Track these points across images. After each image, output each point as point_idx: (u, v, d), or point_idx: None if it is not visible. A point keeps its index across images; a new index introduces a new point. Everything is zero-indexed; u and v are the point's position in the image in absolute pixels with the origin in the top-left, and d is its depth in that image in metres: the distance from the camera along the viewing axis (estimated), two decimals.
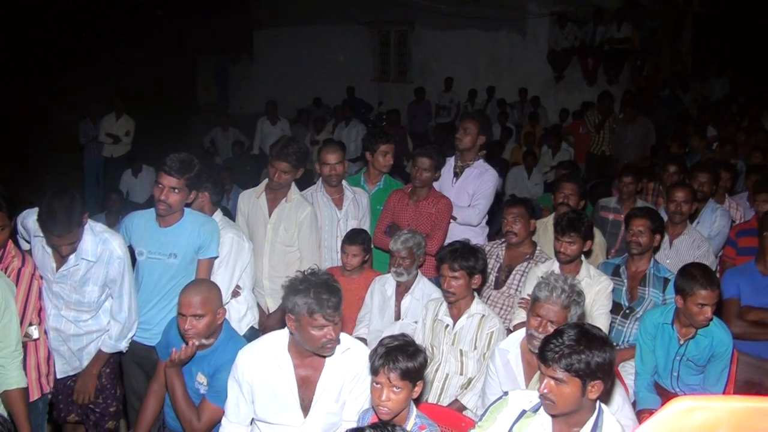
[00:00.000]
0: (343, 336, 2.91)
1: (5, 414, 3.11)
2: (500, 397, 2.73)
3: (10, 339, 3.11)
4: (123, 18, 16.20)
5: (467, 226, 4.93)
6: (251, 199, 4.51)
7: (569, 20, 13.53)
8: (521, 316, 4.03)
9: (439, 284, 3.99)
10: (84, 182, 10.65)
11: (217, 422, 3.09)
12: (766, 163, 7.15)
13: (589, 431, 2.50)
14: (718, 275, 5.08)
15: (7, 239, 3.31)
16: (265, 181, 4.52)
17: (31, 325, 3.40)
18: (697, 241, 4.78)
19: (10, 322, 3.13)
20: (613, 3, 13.53)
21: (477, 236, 4.90)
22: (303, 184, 4.74)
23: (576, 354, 2.43)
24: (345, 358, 2.91)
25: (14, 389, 3.12)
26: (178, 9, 15.93)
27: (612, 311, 4.08)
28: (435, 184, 4.96)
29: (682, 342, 3.64)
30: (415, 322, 4.06)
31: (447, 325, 3.80)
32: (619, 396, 3.14)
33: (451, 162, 5.14)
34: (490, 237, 5.29)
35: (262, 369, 2.90)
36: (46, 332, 3.53)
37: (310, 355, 2.88)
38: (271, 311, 4.47)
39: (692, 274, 3.49)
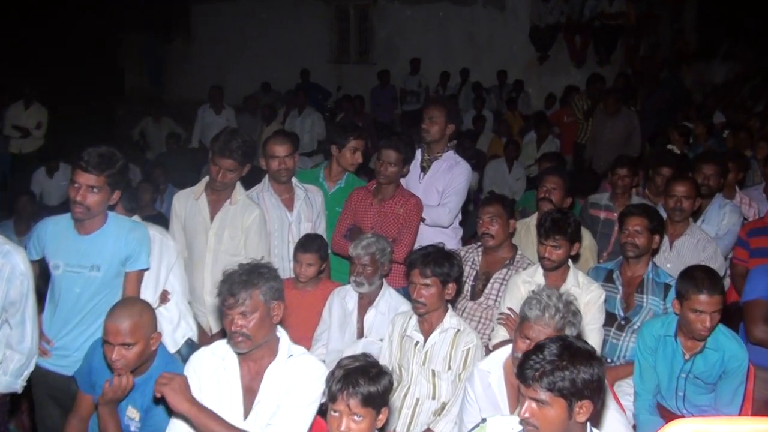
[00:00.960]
0: (287, 344, 3.00)
1: None
2: (477, 424, 2.74)
3: None
4: None
5: (437, 227, 4.99)
6: (189, 202, 4.50)
7: None
8: (502, 334, 4.07)
9: (408, 295, 4.01)
10: None
11: None
12: None
13: None
14: (728, 280, 5.23)
15: None
16: (206, 179, 4.51)
17: None
18: (702, 241, 4.86)
19: None
20: None
21: (449, 239, 4.94)
22: (249, 182, 4.74)
23: (559, 371, 2.45)
24: (287, 367, 2.96)
25: None
26: None
27: (605, 323, 4.13)
28: (402, 181, 5.01)
29: (687, 357, 3.68)
30: (381, 340, 4.07)
31: (417, 342, 3.82)
32: (614, 419, 3.18)
33: (417, 155, 5.18)
34: (465, 241, 5.32)
35: (209, 375, 2.97)
36: None
37: (252, 360, 2.97)
38: (214, 332, 4.45)
39: (692, 276, 3.55)
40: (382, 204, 4.80)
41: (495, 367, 3.31)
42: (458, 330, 3.78)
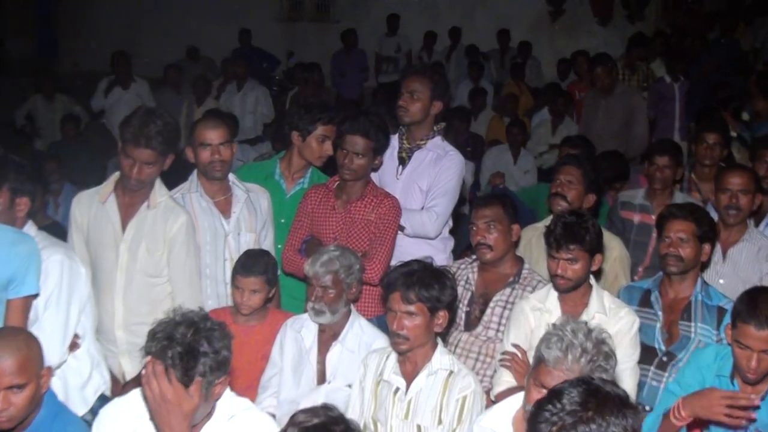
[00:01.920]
0: (228, 400, 3.01)
1: None
2: None
3: None
4: None
5: (421, 238, 5.03)
6: (93, 206, 4.47)
7: None
8: (507, 379, 4.08)
9: (384, 326, 4.02)
10: None
11: None
12: None
13: None
14: None
15: None
16: (115, 176, 4.49)
17: None
18: (765, 250, 4.91)
19: None
20: None
21: (437, 252, 4.98)
22: (172, 179, 4.72)
23: (583, 424, 2.45)
24: (227, 430, 2.97)
25: None
26: None
27: (641, 360, 4.16)
28: (373, 177, 5.05)
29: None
30: (348, 386, 4.08)
31: (397, 389, 3.82)
32: None
33: (394, 143, 5.22)
34: (458, 254, 5.33)
35: None
36: None
37: None
38: (128, 377, 4.43)
39: (750, 299, 3.56)
40: (348, 207, 4.82)
41: (502, 425, 3.29)
42: (451, 372, 3.78)
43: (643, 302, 4.41)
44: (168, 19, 15.53)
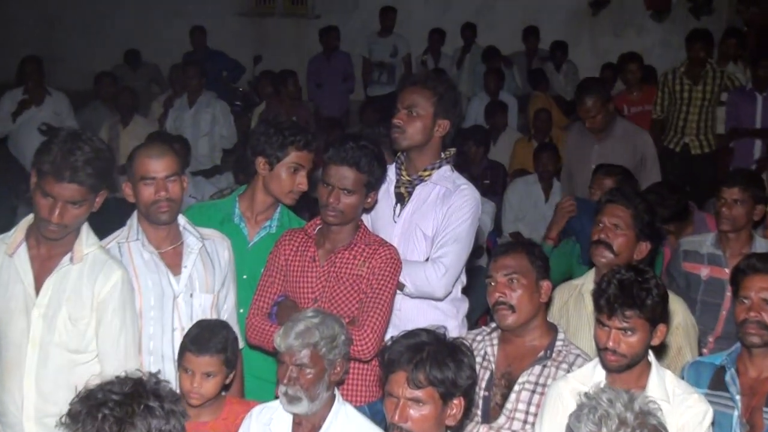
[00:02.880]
0: None
1: None
2: None
3: None
4: None
5: (426, 299, 5.06)
6: None
7: None
8: None
9: (378, 415, 4.02)
10: None
11: None
12: None
13: None
14: None
15: None
16: (26, 221, 4.47)
17: None
18: None
19: None
20: None
21: (446, 319, 5.01)
22: (104, 225, 4.70)
23: None
24: None
25: None
26: None
27: None
28: (364, 220, 5.08)
29: None
30: None
31: None
32: None
33: (390, 176, 5.27)
34: (473, 321, 5.30)
35: None
36: None
37: None
38: None
39: None
40: (332, 258, 4.82)
41: None
42: None
43: (716, 383, 4.39)
44: (98, 14, 15.57)
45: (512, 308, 4.44)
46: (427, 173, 5.18)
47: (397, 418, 3.71)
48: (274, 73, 12.52)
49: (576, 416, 3.22)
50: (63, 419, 2.94)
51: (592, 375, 4.19)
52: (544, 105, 12.00)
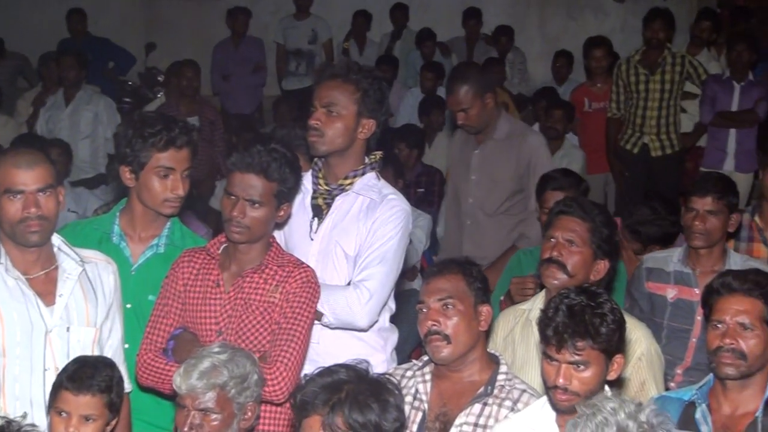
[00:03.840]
0: None
1: None
2: None
3: None
4: None
5: (348, 329, 5.09)
6: None
7: None
8: None
9: None
10: None
11: None
12: None
13: None
14: None
15: None
16: None
17: None
18: None
19: None
20: None
21: (372, 353, 5.03)
22: None
23: None
24: None
25: None
26: None
27: None
28: (277, 237, 5.08)
29: None
30: None
31: None
32: None
33: (306, 185, 5.26)
34: (405, 354, 5.25)
35: None
36: None
37: None
38: None
39: None
40: (239, 283, 4.81)
41: None
42: None
43: (685, 422, 4.37)
44: None
45: (447, 338, 4.43)
46: (348, 182, 5.21)
47: None
48: (169, 64, 12.46)
49: (573, 424, 3.37)
50: None
51: (540, 415, 4.18)
52: (503, 99, 12.05)
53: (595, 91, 11.34)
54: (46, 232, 4.62)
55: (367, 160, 5.23)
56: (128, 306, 5.01)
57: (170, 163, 4.98)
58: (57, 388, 4.34)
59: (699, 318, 5.05)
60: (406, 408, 4.42)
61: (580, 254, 4.96)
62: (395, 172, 9.05)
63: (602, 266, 5.02)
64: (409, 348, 5.84)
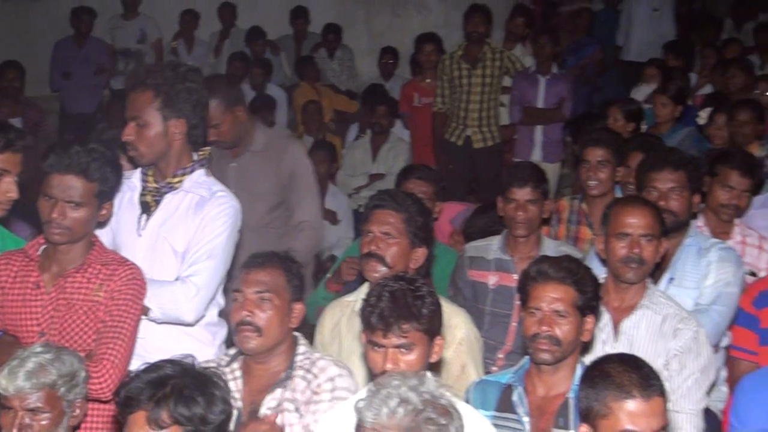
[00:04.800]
0: None
1: None
2: None
3: None
4: None
5: (176, 325, 5.06)
6: None
7: None
8: None
9: None
10: None
11: None
12: None
13: None
14: (724, 389, 5.59)
15: None
16: None
17: None
18: (672, 320, 5.06)
19: None
20: None
21: (202, 347, 5.03)
22: None
23: None
24: None
25: None
26: None
27: None
28: (100, 236, 4.99)
29: None
30: None
31: None
32: None
33: (134, 183, 5.26)
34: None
35: None
36: None
37: None
38: None
39: (606, 374, 3.79)
40: (60, 283, 4.73)
41: None
42: None
43: (503, 404, 4.47)
44: None
45: (259, 330, 4.46)
46: (177, 180, 5.18)
47: None
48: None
49: (362, 402, 3.37)
50: None
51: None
52: (312, 97, 12.09)
53: (424, 87, 11.43)
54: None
55: (195, 157, 5.21)
56: None
57: (5, 165, 4.88)
58: None
59: (518, 303, 5.14)
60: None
61: (397, 245, 5.00)
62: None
63: (420, 253, 5.08)
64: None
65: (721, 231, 6.26)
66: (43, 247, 4.78)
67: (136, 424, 3.63)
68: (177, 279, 5.04)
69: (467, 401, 4.46)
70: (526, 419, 4.42)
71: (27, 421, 4.06)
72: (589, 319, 4.49)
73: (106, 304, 4.68)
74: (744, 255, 6.10)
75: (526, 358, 4.55)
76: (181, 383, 3.67)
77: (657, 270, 5.49)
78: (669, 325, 5.06)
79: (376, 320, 4.10)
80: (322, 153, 9.98)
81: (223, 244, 5.11)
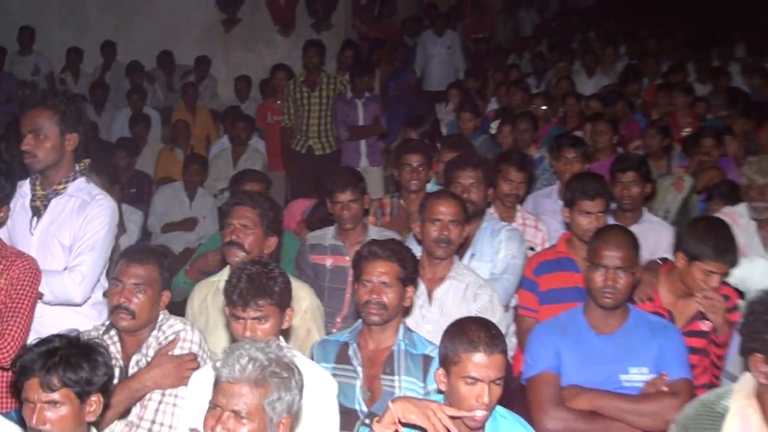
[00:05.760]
0: None
1: None
2: None
3: None
4: None
5: (66, 306, 5.03)
6: None
7: None
8: None
9: (22, 422, 3.87)
10: None
11: None
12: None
13: None
14: (513, 339, 5.78)
15: None
16: None
17: None
18: (473, 287, 5.29)
19: None
20: None
21: (89, 322, 4.97)
22: None
23: None
24: None
25: None
26: None
27: (343, 426, 4.31)
28: (2, 234, 4.98)
29: None
30: None
31: None
32: None
33: (26, 190, 5.19)
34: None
35: None
36: None
37: None
38: None
39: (461, 330, 3.88)
40: None
41: None
42: None
43: (341, 358, 4.58)
44: None
45: (132, 314, 4.45)
46: (62, 186, 5.12)
47: (35, 422, 3.64)
48: None
49: (219, 362, 3.46)
50: None
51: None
52: (185, 117, 12.10)
53: (276, 107, 11.54)
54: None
55: (77, 167, 5.14)
56: None
57: None
58: None
59: (350, 279, 5.24)
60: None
61: (253, 235, 5.08)
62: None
63: (273, 241, 5.19)
64: None
65: (507, 216, 6.57)
66: None
67: (31, 388, 3.67)
68: (66, 269, 5.00)
69: (311, 358, 4.57)
70: (359, 369, 4.54)
71: None
72: (410, 289, 4.65)
73: (7, 289, 4.67)
74: (525, 234, 6.37)
75: (360, 320, 4.66)
76: (68, 353, 3.70)
77: (461, 248, 5.71)
78: (470, 291, 5.27)
79: (237, 297, 4.17)
80: (196, 166, 9.98)
81: (103, 238, 5.09)
